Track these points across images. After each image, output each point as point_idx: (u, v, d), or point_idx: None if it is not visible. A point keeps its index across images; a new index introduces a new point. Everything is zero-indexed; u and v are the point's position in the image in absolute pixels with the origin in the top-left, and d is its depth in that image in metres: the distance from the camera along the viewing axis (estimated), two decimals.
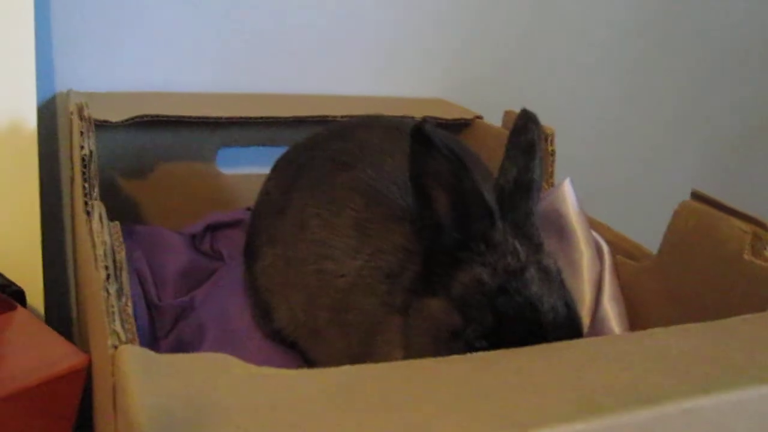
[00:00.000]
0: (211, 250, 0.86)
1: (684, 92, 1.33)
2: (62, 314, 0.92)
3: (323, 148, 0.71)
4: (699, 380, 0.39)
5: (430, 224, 0.53)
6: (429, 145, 0.50)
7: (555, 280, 0.53)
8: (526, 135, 0.56)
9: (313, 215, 0.64)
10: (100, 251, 0.41)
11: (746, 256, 0.63)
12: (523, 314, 0.49)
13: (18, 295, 0.73)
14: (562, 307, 0.51)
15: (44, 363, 0.62)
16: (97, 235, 0.43)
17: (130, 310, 0.42)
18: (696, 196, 0.68)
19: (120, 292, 0.41)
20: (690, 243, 0.67)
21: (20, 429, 0.59)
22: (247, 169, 0.97)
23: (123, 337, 0.37)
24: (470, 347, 0.49)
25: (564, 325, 0.51)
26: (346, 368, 0.38)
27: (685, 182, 1.35)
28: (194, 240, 0.86)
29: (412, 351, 0.53)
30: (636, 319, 0.73)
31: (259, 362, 0.66)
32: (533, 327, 0.49)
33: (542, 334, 0.49)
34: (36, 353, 0.64)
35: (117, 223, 0.47)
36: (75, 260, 0.83)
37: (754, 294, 0.62)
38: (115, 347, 0.37)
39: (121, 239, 0.44)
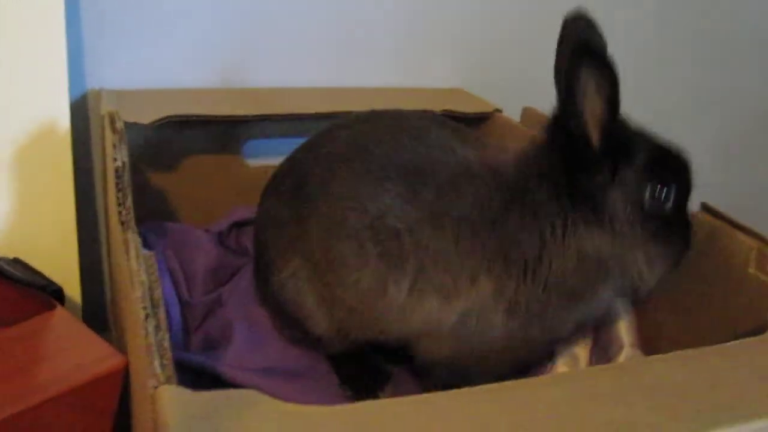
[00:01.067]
0: (237, 246, 0.89)
1: (695, 84, 1.34)
2: (95, 308, 0.95)
3: (321, 153, 0.71)
4: (689, 418, 0.42)
5: (576, 132, 0.59)
6: (594, 57, 0.57)
7: None
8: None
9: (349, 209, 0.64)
10: (138, 293, 0.45)
11: (751, 270, 0.65)
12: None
13: (57, 294, 0.77)
14: None
15: (84, 364, 0.66)
16: (134, 274, 0.46)
17: (166, 343, 0.45)
18: (706, 208, 0.70)
19: (157, 329, 0.45)
20: (698, 253, 0.70)
21: (64, 427, 0.63)
22: (273, 159, 0.99)
23: (162, 378, 0.41)
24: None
25: None
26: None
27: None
28: (221, 237, 0.89)
29: None
30: (644, 324, 0.76)
31: (285, 364, 0.71)
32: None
33: None
34: (76, 354, 0.68)
35: (152, 254, 0.50)
36: (109, 257, 0.86)
37: (757, 307, 0.65)
38: (155, 387, 0.41)
39: (156, 274, 0.48)
